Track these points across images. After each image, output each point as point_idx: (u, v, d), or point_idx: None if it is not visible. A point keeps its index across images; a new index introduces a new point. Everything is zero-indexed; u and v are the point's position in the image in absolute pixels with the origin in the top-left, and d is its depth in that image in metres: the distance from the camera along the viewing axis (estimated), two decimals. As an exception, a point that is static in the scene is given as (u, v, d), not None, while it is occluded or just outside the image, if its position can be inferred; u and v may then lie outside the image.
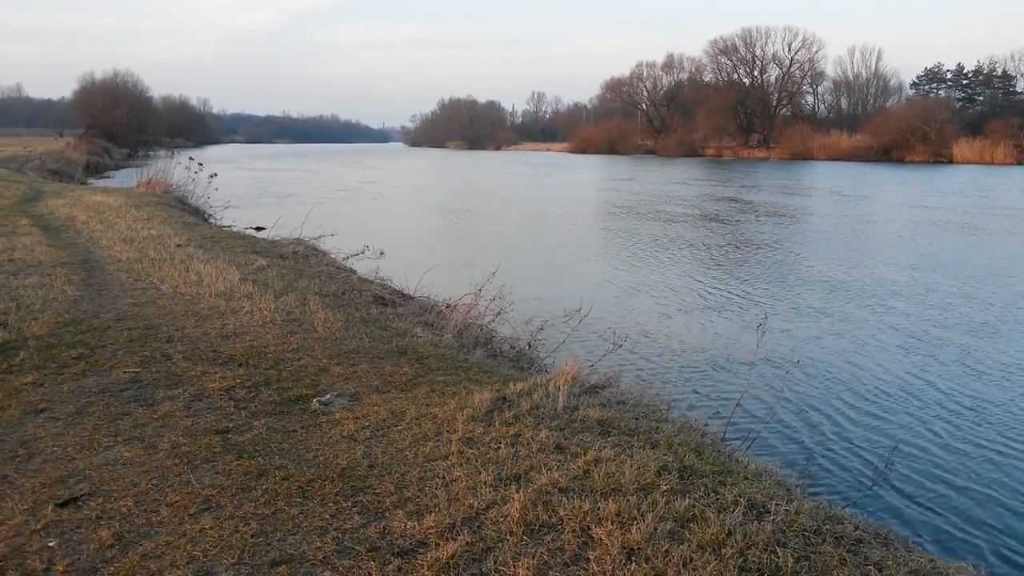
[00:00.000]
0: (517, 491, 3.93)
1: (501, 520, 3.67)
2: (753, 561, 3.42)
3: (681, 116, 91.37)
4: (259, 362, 6.28)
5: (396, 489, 4.04)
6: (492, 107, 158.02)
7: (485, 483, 4.05)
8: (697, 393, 8.16)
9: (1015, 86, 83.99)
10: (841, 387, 8.42)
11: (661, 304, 12.67)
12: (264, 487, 4.07)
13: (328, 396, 5.46)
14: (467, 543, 3.46)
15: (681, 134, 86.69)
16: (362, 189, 40.72)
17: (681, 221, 25.11)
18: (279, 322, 7.56)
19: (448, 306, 9.90)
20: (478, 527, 3.63)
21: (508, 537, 3.53)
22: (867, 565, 3.56)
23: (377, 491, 4.02)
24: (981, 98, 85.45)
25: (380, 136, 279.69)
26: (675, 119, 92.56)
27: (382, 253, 14.04)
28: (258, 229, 18.89)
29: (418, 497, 3.94)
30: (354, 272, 12.89)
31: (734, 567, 3.34)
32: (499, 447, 4.57)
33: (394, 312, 9.20)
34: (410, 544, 3.48)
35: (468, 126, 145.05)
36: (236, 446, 4.62)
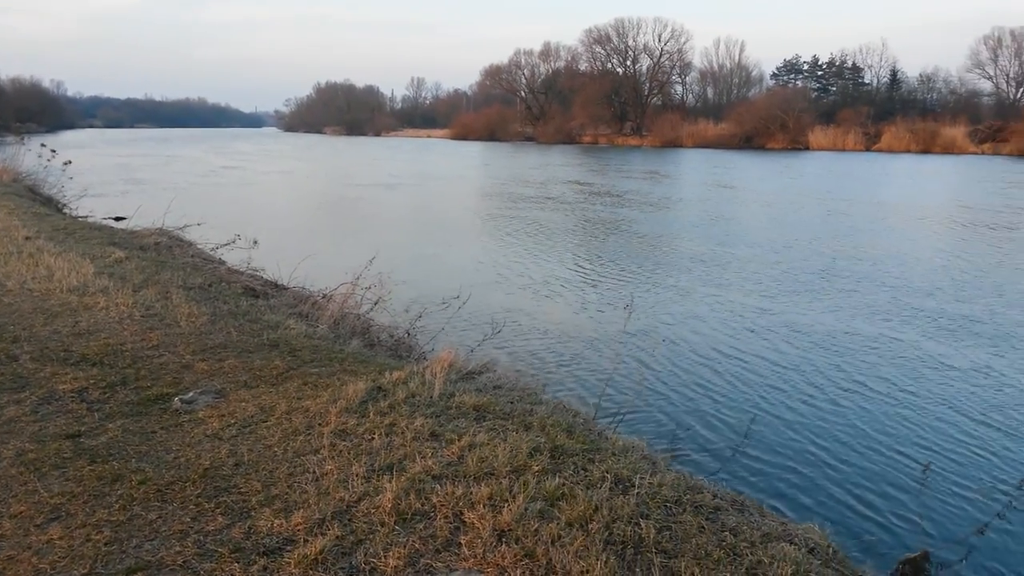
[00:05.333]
0: (390, 481, 3.90)
1: (373, 511, 3.64)
2: (618, 534, 3.55)
3: (559, 104, 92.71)
4: (115, 361, 5.92)
5: (263, 487, 3.92)
6: (371, 92, 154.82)
7: (357, 475, 3.99)
8: (571, 374, 8.37)
9: (863, 78, 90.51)
10: (705, 362, 8.85)
11: (538, 287, 12.88)
12: (119, 492, 3.86)
13: (191, 394, 5.23)
14: (337, 537, 3.41)
15: (559, 121, 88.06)
16: (231, 175, 39.07)
17: (556, 206, 25.57)
18: (138, 317, 7.16)
19: (324, 296, 9.68)
20: (349, 520, 3.58)
21: (380, 528, 3.50)
22: (724, 531, 3.77)
23: (243, 490, 3.89)
24: (834, 88, 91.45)
25: (252, 121, 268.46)
26: (553, 107, 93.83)
27: (255, 242, 13.53)
28: (117, 219, 17.78)
29: (286, 494, 3.84)
30: (223, 263, 12.35)
31: (600, 541, 3.45)
32: (373, 438, 4.52)
33: (266, 304, 8.89)
34: (277, 542, 3.39)
35: (346, 111, 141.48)
36: (89, 450, 4.35)
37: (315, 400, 5.13)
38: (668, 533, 3.65)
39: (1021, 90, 75.68)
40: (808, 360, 8.99)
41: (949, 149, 61.75)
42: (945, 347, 9.55)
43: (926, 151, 61.90)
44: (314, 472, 4.07)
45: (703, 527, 3.76)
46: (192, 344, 6.43)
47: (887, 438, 6.71)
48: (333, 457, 4.25)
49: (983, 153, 59.97)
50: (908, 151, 62.54)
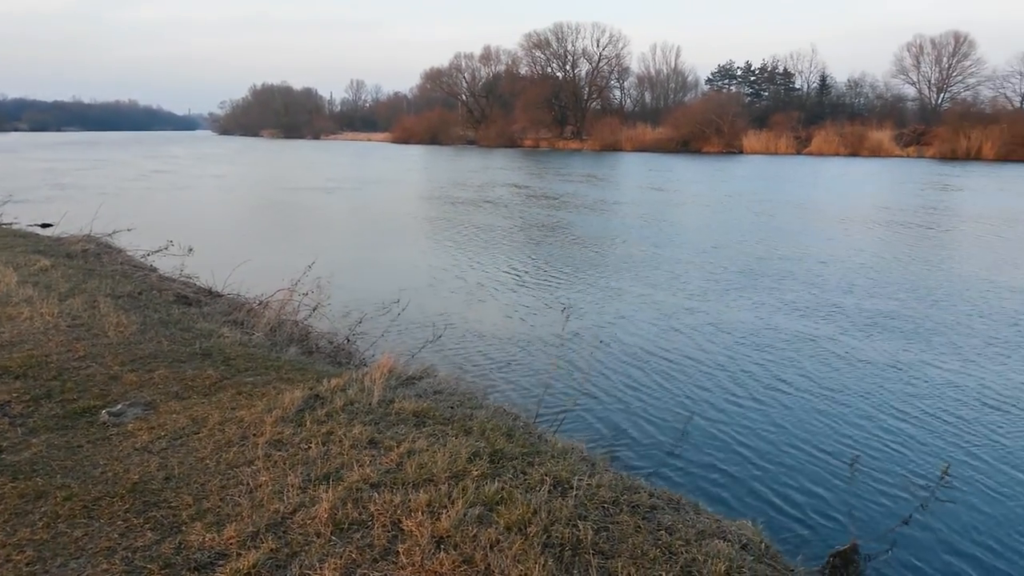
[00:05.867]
0: (327, 491, 3.85)
1: (309, 522, 3.59)
2: (556, 537, 3.58)
3: (500, 108, 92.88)
4: (39, 373, 5.70)
5: (195, 500, 3.82)
6: (309, 94, 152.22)
7: (293, 486, 3.93)
8: (512, 377, 8.39)
9: (794, 83, 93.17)
10: (641, 363, 8.99)
11: (478, 291, 12.89)
12: (43, 510, 3.72)
13: (120, 406, 5.07)
14: (271, 550, 3.35)
15: (500, 125, 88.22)
16: (163, 180, 38.00)
17: (496, 209, 25.63)
18: (64, 328, 6.91)
19: (260, 303, 9.51)
20: (284, 532, 3.52)
21: (315, 539, 3.45)
22: (660, 530, 3.84)
23: (173, 504, 3.79)
24: (766, 94, 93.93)
25: (186, 123, 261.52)
26: (494, 110, 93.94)
27: (189, 249, 13.20)
28: (43, 226, 17.12)
29: (219, 507, 3.76)
30: (154, 270, 12.02)
31: (538, 544, 3.47)
32: (310, 447, 4.45)
33: (199, 312, 8.69)
34: (208, 557, 3.31)
35: (283, 113, 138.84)
36: (11, 467, 4.18)
37: (250, 410, 5.03)
38: (605, 534, 3.69)
39: (942, 95, 79.04)
40: (738, 358, 9.22)
41: (876, 152, 64.04)
42: (864, 343, 9.90)
43: (854, 154, 64.07)
44: (248, 484, 3.99)
45: (640, 527, 3.82)
46: (121, 355, 6.23)
47: (815, 433, 6.93)
48: (268, 468, 4.17)
49: (908, 156, 62.38)
50: (837, 154, 64.62)
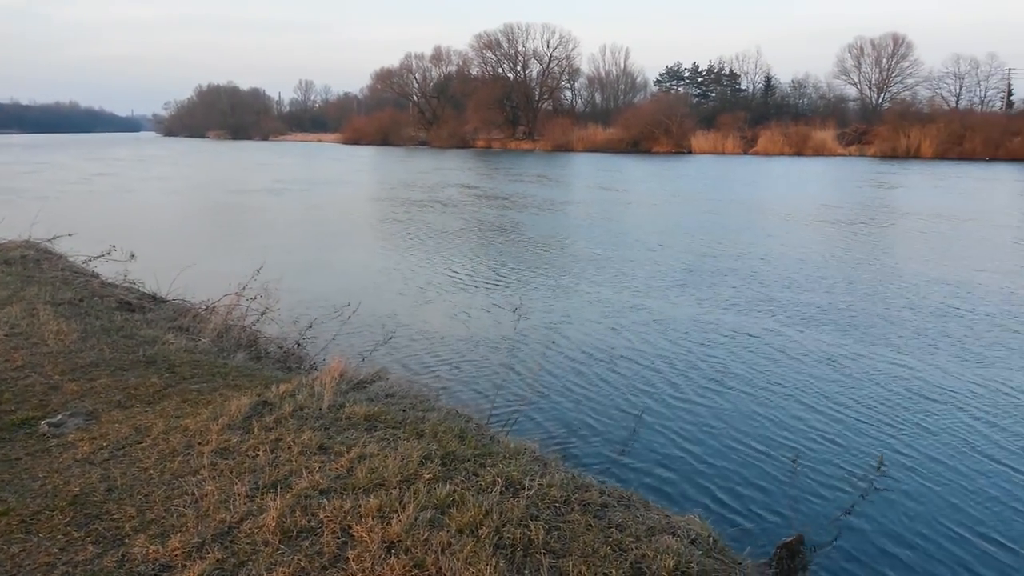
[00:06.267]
0: (274, 499, 3.80)
1: (256, 531, 3.54)
2: (508, 538, 3.59)
3: (452, 108, 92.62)
4: (-27, 385, 5.50)
5: (138, 512, 3.74)
6: (257, 95, 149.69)
7: (240, 494, 3.87)
8: (465, 378, 8.39)
9: (740, 84, 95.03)
10: (592, 361, 9.07)
11: (430, 292, 12.85)
12: (-23, 527, 3.59)
13: (60, 416, 4.92)
14: (217, 560, 3.29)
15: (452, 126, 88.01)
16: (105, 183, 36.99)
17: (448, 210, 25.57)
18: (1, 337, 6.68)
19: (207, 308, 9.32)
20: (231, 542, 3.46)
21: (263, 548, 3.40)
22: (610, 528, 3.88)
23: (116, 516, 3.70)
24: (713, 95, 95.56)
25: (129, 125, 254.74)
26: (446, 111, 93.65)
27: (132, 254, 12.85)
28: (-23, 232, 16.49)
29: (163, 518, 3.68)
30: (96, 276, 11.67)
31: (490, 546, 3.48)
32: (257, 455, 4.39)
33: (143, 318, 8.48)
34: (153, 569, 3.24)
35: (230, 114, 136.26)
36: (-59, 484, 4.03)
37: (195, 418, 4.93)
38: (557, 533, 3.72)
39: (882, 95, 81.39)
40: (684, 354, 9.38)
41: (820, 151, 65.66)
42: (803, 336, 10.18)
43: (799, 153, 65.56)
44: (193, 494, 3.91)
45: (591, 525, 3.85)
46: (61, 363, 6.06)
47: (759, 427, 7.08)
48: (214, 477, 4.10)
49: (850, 154, 64.08)
50: (783, 153, 66.04)
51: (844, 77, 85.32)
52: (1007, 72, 76.90)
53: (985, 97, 78.25)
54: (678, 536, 3.95)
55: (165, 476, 4.13)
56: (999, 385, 8.34)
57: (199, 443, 4.53)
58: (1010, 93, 75.77)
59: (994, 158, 55.95)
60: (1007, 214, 24.75)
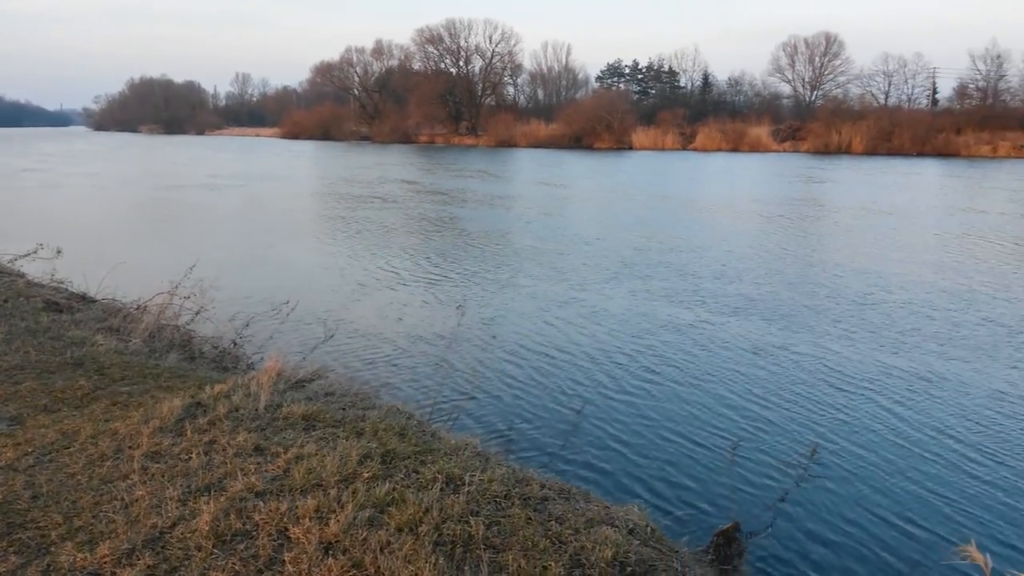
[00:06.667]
0: (208, 503, 3.71)
1: (189, 536, 3.45)
2: (448, 534, 3.58)
3: (394, 103, 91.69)
4: None
5: (65, 519, 3.61)
6: (192, 88, 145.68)
7: (172, 499, 3.77)
8: (407, 375, 8.33)
9: (679, 81, 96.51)
10: (533, 355, 9.12)
11: (370, 289, 12.72)
12: None
13: (-21, 423, 4.72)
14: (148, 567, 3.21)
15: (394, 121, 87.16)
16: (31, 179, 35.56)
17: (388, 206, 25.36)
18: (-87, 341, 6.37)
19: (138, 307, 9.05)
20: (162, 547, 3.37)
21: (196, 553, 3.32)
22: (550, 521, 3.91)
23: (41, 524, 3.57)
24: (653, 91, 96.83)
25: (58, 119, 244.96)
26: (388, 106, 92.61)
27: (59, 252, 12.37)
28: None
29: (91, 525, 3.56)
30: (22, 275, 11.21)
31: (429, 543, 3.47)
32: (190, 458, 4.28)
33: (71, 319, 8.19)
34: (79, 579, 3.14)
35: (164, 108, 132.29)
36: None
37: (125, 421, 4.79)
38: (497, 528, 3.73)
39: (815, 93, 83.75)
40: (623, 346, 9.53)
41: (755, 147, 67.19)
42: (735, 327, 10.45)
43: (735, 149, 66.95)
44: (123, 499, 3.80)
45: (531, 519, 3.87)
46: (-20, 368, 5.80)
47: (696, 416, 7.23)
48: (145, 481, 3.99)
49: (784, 151, 65.73)
50: (720, 149, 67.36)
51: (779, 75, 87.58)
52: (932, 71, 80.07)
53: (912, 95, 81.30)
54: (617, 527, 4.00)
55: (94, 482, 3.99)
56: (915, 369, 8.73)
57: (129, 447, 4.40)
58: (935, 91, 78.82)
59: (921, 153, 58.19)
60: (927, 208, 25.78)
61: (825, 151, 62.17)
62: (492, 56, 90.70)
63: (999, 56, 69.73)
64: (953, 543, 5.03)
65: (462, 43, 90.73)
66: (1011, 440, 6.80)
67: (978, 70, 70.53)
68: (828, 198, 28.90)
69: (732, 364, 8.90)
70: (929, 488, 5.92)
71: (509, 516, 3.87)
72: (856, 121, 63.46)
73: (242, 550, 3.36)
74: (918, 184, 35.99)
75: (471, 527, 3.65)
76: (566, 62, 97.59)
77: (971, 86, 70.68)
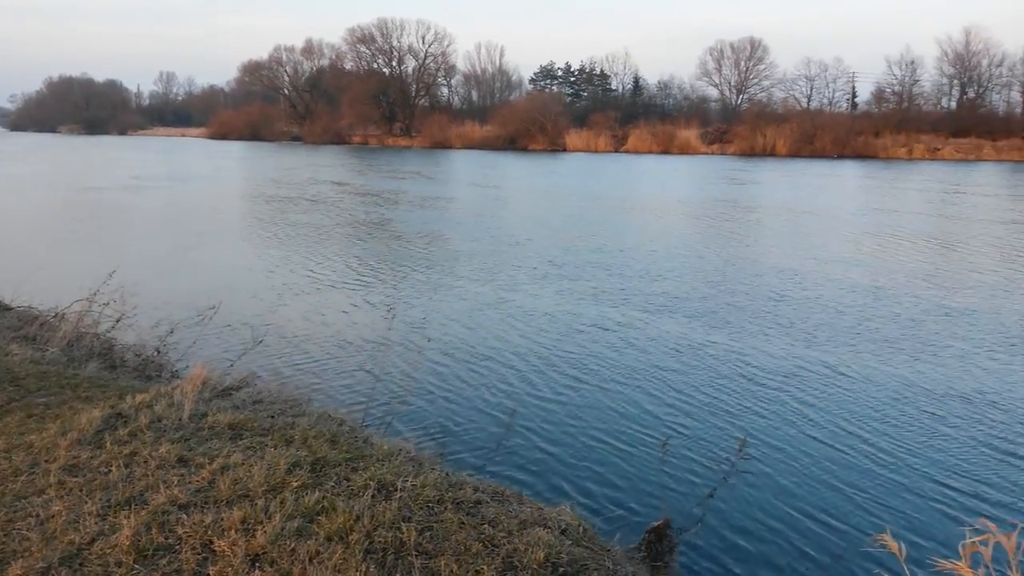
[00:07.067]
0: (128, 516, 3.60)
1: (108, 552, 3.34)
2: (379, 542, 3.56)
3: (326, 103, 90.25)
4: None
5: (-27, 540, 3.44)
6: (113, 87, 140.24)
7: (90, 514, 3.63)
8: (339, 380, 8.22)
9: (611, 84, 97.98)
10: (467, 358, 9.12)
11: (300, 293, 12.51)
12: None
13: None
14: (64, 586, 3.08)
15: (327, 121, 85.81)
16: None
17: (318, 207, 24.97)
18: None
19: (55, 315, 8.68)
20: (80, 565, 3.25)
21: (116, 569, 3.22)
22: (483, 524, 3.91)
23: (-54, 547, 3.39)
24: (585, 94, 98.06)
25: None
26: (320, 106, 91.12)
27: (-32, 258, 11.81)
28: None
29: (4, 543, 3.41)
30: (-73, 283, 10.64)
31: (360, 551, 3.44)
32: (110, 470, 4.14)
33: (-19, 328, 7.81)
34: (-12, 602, 3.00)
35: (84, 108, 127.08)
36: None
37: (41, 434, 4.60)
38: (429, 533, 3.72)
39: (741, 96, 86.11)
40: (553, 346, 9.64)
41: (685, 150, 68.72)
42: (659, 325, 10.71)
43: (666, 151, 68.36)
44: (38, 515, 3.65)
45: (463, 523, 3.87)
46: None
47: (626, 416, 7.35)
48: (62, 496, 3.83)
49: (712, 153, 67.42)
50: (651, 152, 68.64)
51: (706, 79, 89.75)
52: (852, 76, 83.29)
53: (833, 98, 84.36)
54: (549, 528, 4.04)
55: (7, 498, 3.82)
56: (828, 362, 9.10)
57: (45, 461, 4.22)
58: (855, 95, 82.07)
59: (841, 155, 60.52)
60: (843, 207, 26.87)
61: (751, 153, 64.01)
62: (425, 57, 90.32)
63: (913, 62, 73.32)
64: (870, 533, 5.25)
65: (394, 43, 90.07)
66: (918, 429, 7.15)
67: (894, 75, 73.95)
68: (751, 199, 29.81)
69: (658, 362, 9.09)
70: (845, 480, 6.15)
71: (442, 521, 3.86)
72: (780, 124, 65.57)
73: (165, 565, 3.27)
74: (837, 185, 37.42)
75: (403, 533, 3.63)
76: (500, 64, 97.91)
77: (887, 90, 74.10)
